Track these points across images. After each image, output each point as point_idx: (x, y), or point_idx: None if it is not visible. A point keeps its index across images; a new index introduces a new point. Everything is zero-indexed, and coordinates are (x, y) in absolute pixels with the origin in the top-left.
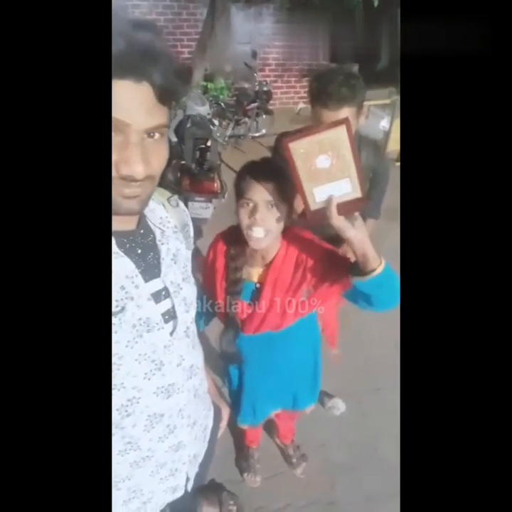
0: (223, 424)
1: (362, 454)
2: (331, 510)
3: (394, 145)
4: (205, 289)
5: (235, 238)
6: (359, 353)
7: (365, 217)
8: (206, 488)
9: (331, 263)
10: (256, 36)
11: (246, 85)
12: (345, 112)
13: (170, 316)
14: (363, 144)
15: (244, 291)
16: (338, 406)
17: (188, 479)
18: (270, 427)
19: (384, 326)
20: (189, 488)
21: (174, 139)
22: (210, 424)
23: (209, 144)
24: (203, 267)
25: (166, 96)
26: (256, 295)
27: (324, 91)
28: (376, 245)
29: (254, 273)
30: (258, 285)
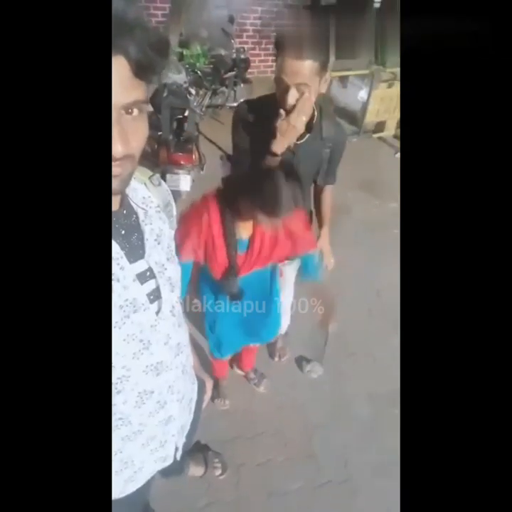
0: (207, 396)
1: (337, 413)
2: (309, 463)
3: (372, 116)
4: (196, 245)
5: (229, 201)
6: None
7: (323, 184)
8: (192, 449)
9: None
10: (233, 0)
11: (223, 52)
12: (308, 64)
13: (155, 296)
14: (323, 116)
15: (239, 245)
16: (316, 369)
17: (176, 449)
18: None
19: (359, 294)
20: (178, 457)
21: (150, 109)
22: (195, 396)
23: (186, 114)
24: (191, 225)
25: (143, 70)
26: (248, 247)
27: (289, 40)
28: (345, 216)
29: (242, 230)
30: (248, 239)
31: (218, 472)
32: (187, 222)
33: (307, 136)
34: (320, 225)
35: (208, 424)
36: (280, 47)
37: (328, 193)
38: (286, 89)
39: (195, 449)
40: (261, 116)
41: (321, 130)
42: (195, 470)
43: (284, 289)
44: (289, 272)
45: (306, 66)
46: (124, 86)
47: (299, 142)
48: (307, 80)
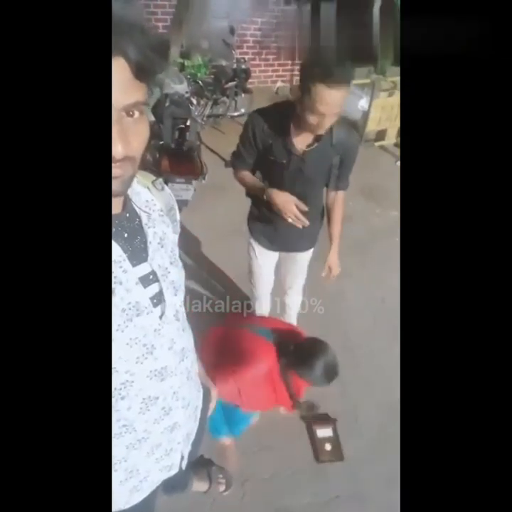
0: (212, 404)
1: (344, 424)
2: (316, 476)
3: (373, 125)
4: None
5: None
6: (339, 330)
7: (335, 189)
8: (196, 463)
9: None
10: (233, 11)
11: (224, 63)
12: (342, 92)
13: (158, 299)
14: (334, 123)
15: None
16: None
17: (182, 458)
18: None
19: (362, 302)
20: (184, 466)
21: (152, 119)
22: (200, 404)
23: (188, 123)
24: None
25: (143, 72)
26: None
27: (325, 69)
28: (347, 224)
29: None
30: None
31: (223, 488)
32: (260, 384)
33: (317, 143)
34: (330, 238)
35: (210, 438)
36: (311, 73)
37: (340, 202)
38: (322, 119)
39: (199, 464)
40: (275, 123)
41: (332, 136)
42: (199, 485)
43: (296, 279)
44: (303, 259)
45: (343, 93)
46: (124, 87)
47: (308, 149)
48: (341, 106)
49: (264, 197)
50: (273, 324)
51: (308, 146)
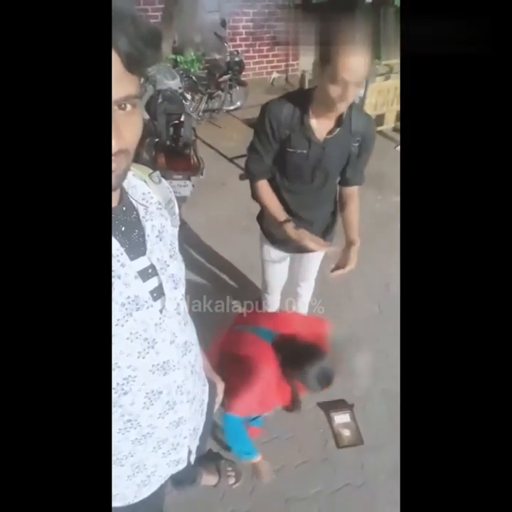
0: (219, 399)
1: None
2: (324, 466)
3: (370, 110)
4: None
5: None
6: (344, 318)
7: (351, 183)
8: (204, 457)
9: None
10: (224, 3)
11: (217, 57)
12: (368, 60)
13: (158, 293)
14: (353, 108)
15: None
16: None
17: (190, 452)
18: None
19: (367, 289)
20: (192, 461)
21: (146, 117)
22: (206, 399)
23: (182, 119)
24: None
25: (135, 64)
26: None
27: (348, 35)
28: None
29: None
30: None
31: (232, 481)
32: (252, 381)
33: (337, 130)
34: (349, 241)
35: (220, 431)
36: (338, 43)
37: (356, 198)
38: (345, 88)
39: (208, 458)
40: (293, 112)
41: (351, 123)
42: (208, 479)
43: (311, 273)
44: (313, 260)
45: (367, 62)
46: (116, 81)
47: (328, 137)
48: (364, 75)
49: (283, 227)
50: (275, 321)
51: (329, 133)
